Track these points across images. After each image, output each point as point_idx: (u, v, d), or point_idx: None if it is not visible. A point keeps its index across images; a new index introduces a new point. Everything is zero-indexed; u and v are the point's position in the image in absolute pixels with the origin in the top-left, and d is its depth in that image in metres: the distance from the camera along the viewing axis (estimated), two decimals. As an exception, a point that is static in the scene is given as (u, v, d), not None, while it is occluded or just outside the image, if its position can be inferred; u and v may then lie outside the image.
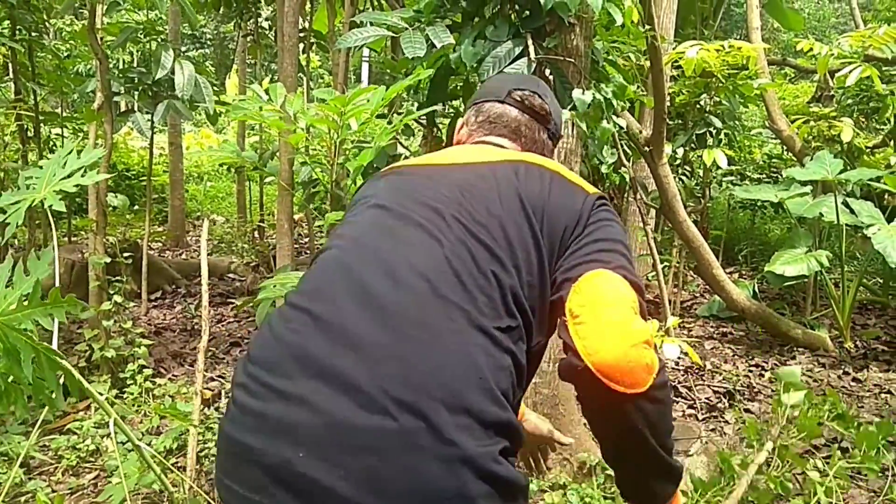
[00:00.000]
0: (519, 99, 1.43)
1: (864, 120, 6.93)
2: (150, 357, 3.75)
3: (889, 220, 4.83)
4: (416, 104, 3.72)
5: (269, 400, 0.95)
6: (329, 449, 0.88)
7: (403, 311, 0.99)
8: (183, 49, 10.68)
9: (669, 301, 4.83)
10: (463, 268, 1.05)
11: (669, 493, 1.08)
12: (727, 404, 3.93)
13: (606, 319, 1.00)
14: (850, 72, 5.12)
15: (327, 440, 0.89)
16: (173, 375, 3.75)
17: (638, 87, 4.67)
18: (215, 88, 4.47)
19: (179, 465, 2.79)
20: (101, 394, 3.30)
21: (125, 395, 3.38)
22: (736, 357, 4.72)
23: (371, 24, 2.85)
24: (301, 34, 6.24)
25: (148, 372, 3.47)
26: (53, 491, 2.74)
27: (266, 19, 6.44)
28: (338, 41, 2.93)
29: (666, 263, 5.38)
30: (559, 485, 2.82)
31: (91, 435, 2.99)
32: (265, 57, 7.76)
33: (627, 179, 3.41)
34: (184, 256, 6.74)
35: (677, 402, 3.96)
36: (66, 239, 6.21)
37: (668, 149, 4.58)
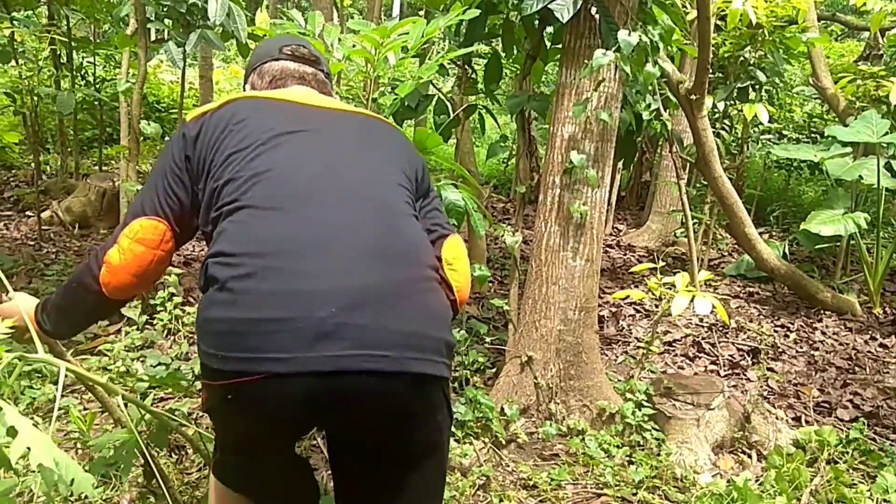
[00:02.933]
0: (290, 52, 1.64)
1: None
2: (179, 286, 3.80)
3: (932, 186, 4.69)
4: (448, 43, 3.63)
5: (293, 277, 1.14)
6: (357, 301, 1.14)
7: (366, 195, 1.30)
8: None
9: (698, 258, 4.76)
10: (398, 180, 1.40)
11: None
12: (750, 362, 3.91)
13: (466, 270, 1.50)
14: (906, 29, 4.90)
15: (351, 296, 1.14)
16: (201, 305, 3.81)
17: (682, 34, 4.51)
18: (249, 19, 4.39)
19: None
20: (131, 319, 3.37)
21: (155, 322, 3.44)
22: (762, 317, 4.68)
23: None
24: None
25: (177, 300, 3.52)
26: (85, 409, 2.82)
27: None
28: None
29: (697, 220, 5.30)
30: (578, 430, 2.85)
31: (122, 357, 3.06)
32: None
33: (668, 129, 3.32)
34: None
35: (699, 358, 3.95)
36: (97, 168, 6.26)
37: (708, 101, 4.44)
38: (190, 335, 3.36)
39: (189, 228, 1.43)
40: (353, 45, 2.49)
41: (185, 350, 3.19)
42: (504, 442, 2.76)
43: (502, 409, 2.87)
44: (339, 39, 2.53)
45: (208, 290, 1.20)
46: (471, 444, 2.68)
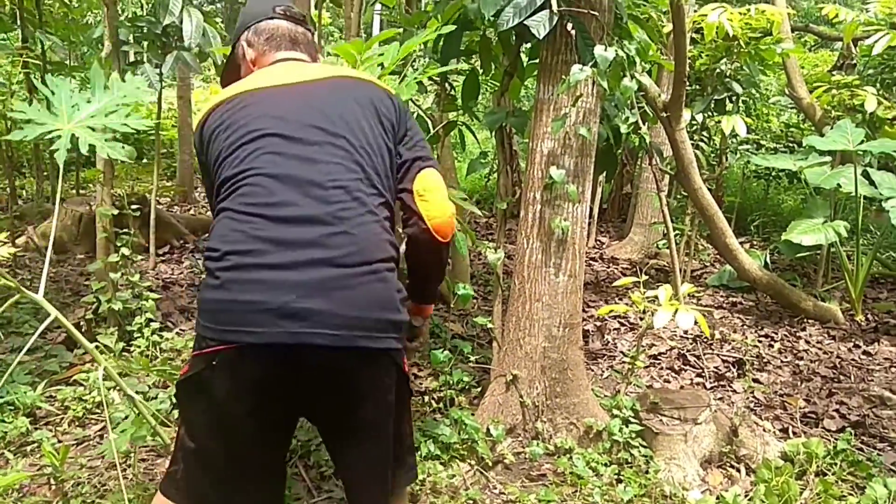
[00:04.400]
0: (283, 12, 1.79)
1: (885, 91, 6.76)
2: (157, 311, 3.73)
3: (909, 193, 4.74)
4: (426, 60, 3.62)
5: (263, 270, 1.40)
6: (313, 290, 1.39)
7: (331, 196, 1.47)
8: (196, 1, 10.48)
9: (680, 269, 4.77)
10: (361, 169, 1.54)
11: (436, 292, 1.91)
12: (736, 374, 3.90)
13: (439, 200, 1.64)
14: (878, 40, 4.97)
15: (311, 285, 1.39)
16: (181, 330, 3.74)
17: (658, 49, 4.54)
18: (224, 39, 4.37)
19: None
20: (107, 346, 3.30)
21: (132, 348, 3.37)
22: (745, 327, 4.68)
23: (386, -27, 2.75)
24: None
25: (155, 325, 3.45)
26: (59, 441, 2.74)
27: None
28: (352, -10, 2.83)
29: (678, 231, 5.31)
30: (565, 449, 2.81)
31: (97, 387, 2.99)
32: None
33: (647, 142, 3.32)
34: (192, 212, 6.69)
35: (685, 371, 3.94)
36: (73, 191, 6.17)
37: (686, 114, 4.46)
38: (169, 361, 3.29)
39: None
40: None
41: (163, 378, 3.11)
42: (491, 463, 2.72)
43: (488, 429, 2.83)
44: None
45: (205, 277, 1.47)
46: (457, 466, 2.63)
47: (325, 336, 1.38)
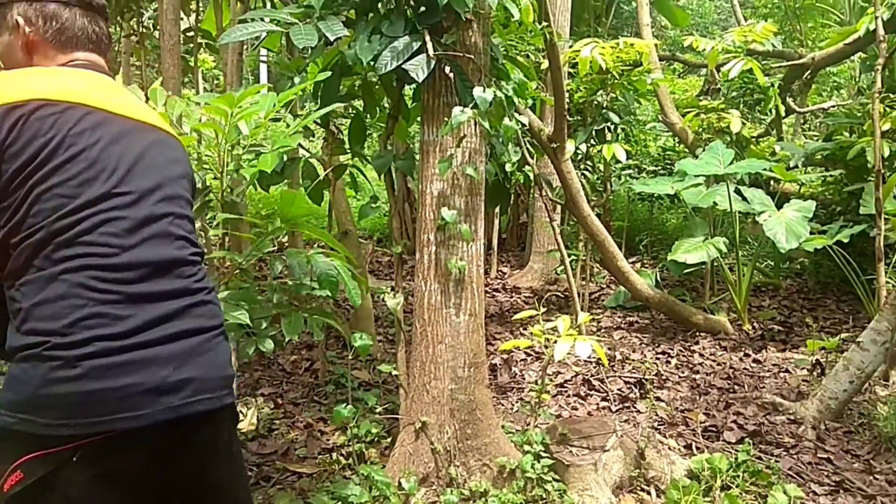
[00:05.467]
0: (87, 1, 1.49)
1: (748, 111, 7.30)
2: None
3: (778, 207, 5.08)
4: (310, 105, 3.56)
5: (132, 350, 1.27)
6: (184, 361, 1.32)
7: (164, 267, 1.38)
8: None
9: (579, 293, 4.88)
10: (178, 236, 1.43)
11: None
12: (638, 394, 4.00)
13: None
14: (734, 65, 5.36)
15: (180, 357, 1.32)
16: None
17: (537, 85, 4.69)
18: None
19: None
20: None
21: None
22: (643, 346, 4.83)
23: (260, 19, 2.68)
24: (189, 34, 5.91)
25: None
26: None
27: (149, 18, 6.06)
28: (222, 37, 2.74)
29: (574, 257, 5.45)
30: (480, 492, 2.75)
31: None
32: (151, 58, 7.32)
33: (532, 177, 3.38)
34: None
35: (591, 396, 3.99)
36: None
37: (570, 146, 4.62)
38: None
39: None
40: (201, 117, 2.36)
41: None
42: (404, 518, 2.62)
43: (399, 483, 2.73)
44: (187, 112, 2.39)
45: (42, 367, 1.24)
46: (369, 526, 2.52)
47: (206, 401, 1.35)
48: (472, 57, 2.68)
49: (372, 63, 2.61)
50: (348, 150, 3.44)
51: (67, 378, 1.22)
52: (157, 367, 1.28)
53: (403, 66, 2.56)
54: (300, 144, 3.58)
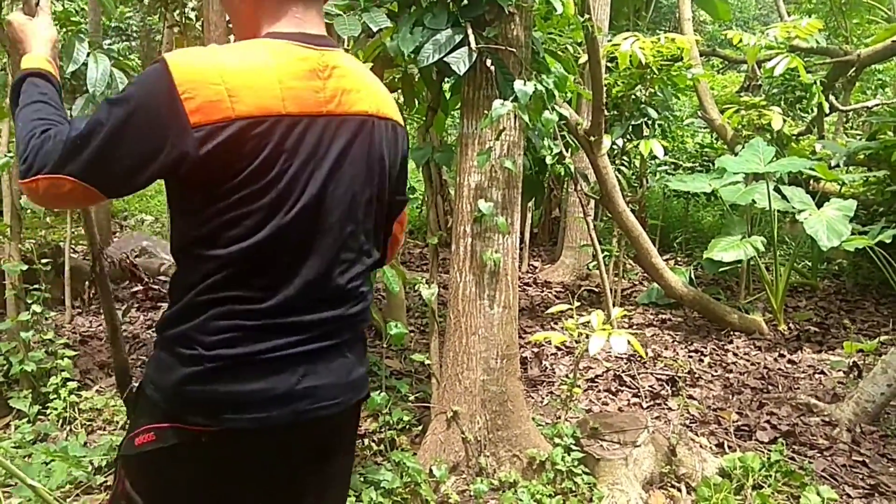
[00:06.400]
0: None
1: (789, 108, 7.17)
2: (74, 369, 3.53)
3: (818, 206, 5.00)
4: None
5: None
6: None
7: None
8: (107, 42, 10.11)
9: (611, 289, 4.86)
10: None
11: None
12: (670, 391, 3.98)
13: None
14: (779, 62, 5.26)
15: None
16: (101, 388, 3.53)
17: (576, 79, 4.68)
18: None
19: (108, 483, 2.62)
20: (21, 411, 3.08)
21: (48, 411, 3.16)
22: (676, 343, 4.80)
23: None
24: (230, 24, 6.00)
25: (73, 385, 3.25)
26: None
27: (192, 9, 6.16)
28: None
29: (607, 253, 5.43)
30: (510, 483, 2.78)
31: (12, 456, 2.78)
32: (193, 49, 7.42)
33: (571, 170, 3.39)
34: (110, 259, 6.40)
35: (622, 392, 3.99)
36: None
37: (606, 140, 4.59)
38: (88, 423, 3.10)
39: None
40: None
41: (82, 441, 2.93)
42: (435, 505, 2.66)
43: (431, 470, 2.77)
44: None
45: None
46: (401, 511, 2.56)
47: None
48: (514, 50, 2.69)
49: (413, 55, 2.64)
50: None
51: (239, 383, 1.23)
52: (288, 375, 1.24)
53: (445, 59, 2.58)
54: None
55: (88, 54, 2.93)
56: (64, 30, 4.00)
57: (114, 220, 7.55)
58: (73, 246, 5.86)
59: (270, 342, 1.21)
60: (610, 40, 5.10)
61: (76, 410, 3.16)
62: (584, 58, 4.46)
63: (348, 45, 3.15)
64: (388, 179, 1.34)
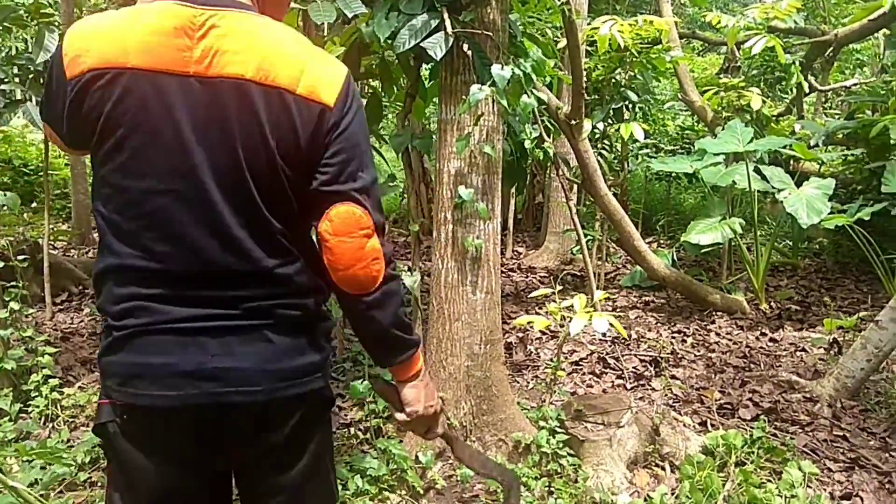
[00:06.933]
0: None
1: (768, 89, 7.21)
2: (56, 365, 3.49)
3: (797, 186, 5.04)
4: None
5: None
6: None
7: None
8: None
9: (594, 273, 4.89)
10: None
11: (404, 358, 1.37)
12: (653, 372, 4.02)
13: None
14: (756, 42, 5.29)
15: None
16: (83, 384, 3.51)
17: (555, 63, 4.67)
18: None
19: (93, 480, 2.61)
20: (2, 409, 3.05)
21: (30, 409, 3.13)
22: (659, 325, 4.83)
23: None
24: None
25: (54, 382, 3.22)
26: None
27: None
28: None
29: (590, 237, 5.45)
30: (496, 466, 2.79)
31: (-7, 454, 2.75)
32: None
33: (550, 155, 3.39)
34: (91, 255, 6.34)
35: (606, 374, 4.02)
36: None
37: (587, 124, 4.60)
38: (70, 419, 3.08)
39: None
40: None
41: (65, 437, 2.91)
42: (422, 491, 2.67)
43: (417, 456, 2.78)
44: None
45: None
46: (388, 499, 2.57)
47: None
48: (491, 34, 2.68)
49: (390, 41, 2.62)
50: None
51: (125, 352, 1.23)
52: (198, 353, 1.22)
53: (421, 45, 2.56)
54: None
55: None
56: (35, 21, 3.95)
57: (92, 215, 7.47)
58: (52, 242, 5.79)
59: (172, 314, 1.19)
60: (589, 23, 5.09)
61: (58, 407, 3.14)
62: (563, 42, 4.46)
63: (323, 32, 3.12)
64: (283, 157, 1.19)
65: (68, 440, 2.91)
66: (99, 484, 2.59)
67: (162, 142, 1.15)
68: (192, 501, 1.31)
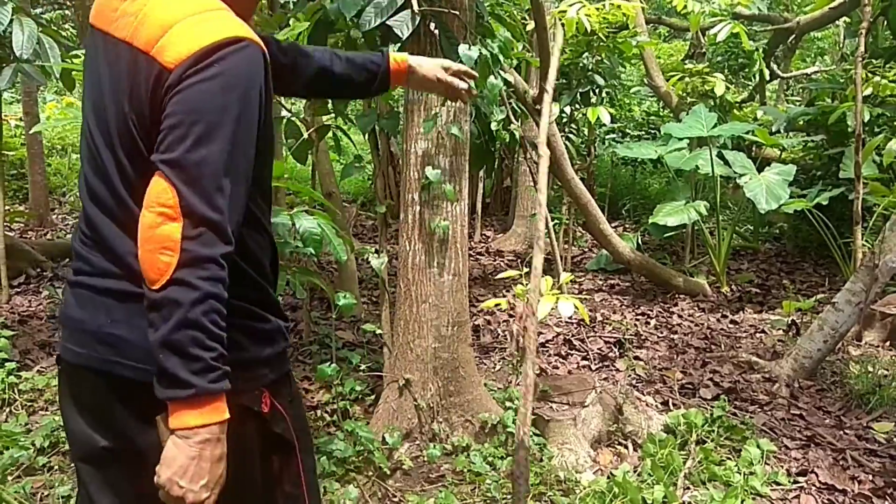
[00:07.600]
0: None
1: (732, 76, 7.31)
2: (13, 349, 3.41)
3: (759, 171, 5.14)
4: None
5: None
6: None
7: None
8: (39, 11, 9.66)
9: (561, 257, 4.92)
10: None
11: (169, 395, 1.08)
12: (618, 353, 4.07)
13: None
14: (721, 28, 5.35)
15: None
16: (42, 368, 3.43)
17: (523, 46, 4.66)
18: (72, 50, 4.05)
19: (52, 464, 2.56)
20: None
21: (-14, 393, 3.05)
22: (624, 307, 4.90)
23: (240, -25, 2.62)
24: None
25: (11, 365, 3.15)
26: None
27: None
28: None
29: (557, 220, 5.48)
30: (463, 447, 2.82)
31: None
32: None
33: (517, 138, 3.39)
34: (49, 237, 6.18)
35: (571, 355, 4.06)
36: None
37: (555, 108, 4.61)
38: (28, 403, 3.01)
39: None
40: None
41: (23, 422, 2.84)
42: (389, 472, 2.68)
43: (384, 437, 2.78)
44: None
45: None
46: (354, 480, 2.57)
47: None
48: (458, 13, 2.66)
49: (355, 19, 2.58)
50: (331, 111, 3.42)
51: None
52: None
53: (387, 23, 2.53)
54: (281, 104, 3.55)
55: (12, 20, 2.77)
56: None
57: (52, 197, 7.27)
58: (7, 224, 5.62)
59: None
60: (557, 6, 5.09)
61: (16, 391, 3.06)
62: (531, 24, 4.45)
63: (288, 9, 3.06)
64: (135, 122, 1.14)
65: (26, 424, 2.84)
66: (57, 468, 2.54)
67: (90, 98, 1.25)
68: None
